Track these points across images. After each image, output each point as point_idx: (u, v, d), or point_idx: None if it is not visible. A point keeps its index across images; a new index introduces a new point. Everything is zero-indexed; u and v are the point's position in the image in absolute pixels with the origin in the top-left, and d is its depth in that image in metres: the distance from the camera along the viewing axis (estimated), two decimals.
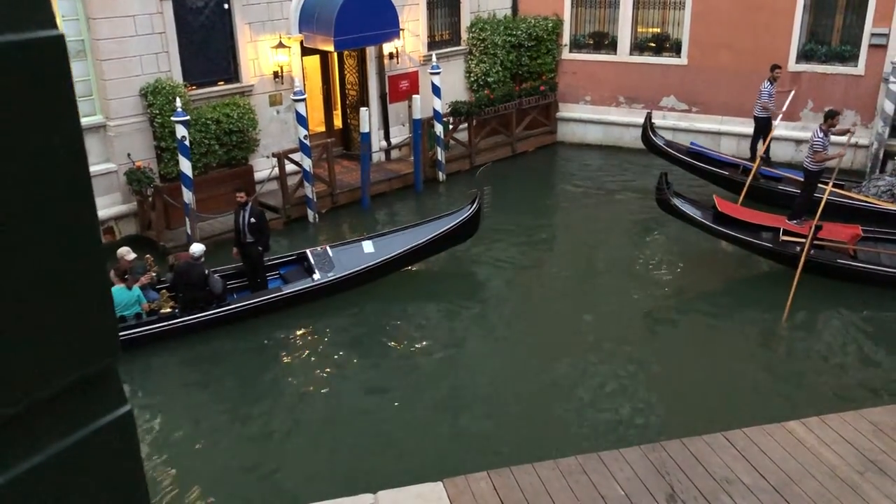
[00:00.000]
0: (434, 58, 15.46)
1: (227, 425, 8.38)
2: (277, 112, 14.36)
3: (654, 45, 17.19)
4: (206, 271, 10.01)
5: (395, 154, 16.36)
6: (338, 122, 16.41)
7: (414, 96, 15.22)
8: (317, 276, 10.59)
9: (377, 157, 15.91)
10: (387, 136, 16.13)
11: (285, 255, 11.44)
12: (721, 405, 8.41)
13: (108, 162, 12.47)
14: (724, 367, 9.14)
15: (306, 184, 13.53)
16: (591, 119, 17.91)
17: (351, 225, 14.01)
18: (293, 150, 13.60)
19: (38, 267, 0.87)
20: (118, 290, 9.63)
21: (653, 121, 14.79)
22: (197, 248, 10.06)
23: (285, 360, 9.72)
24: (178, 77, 12.91)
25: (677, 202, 11.41)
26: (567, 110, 18.15)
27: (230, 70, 13.74)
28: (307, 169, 13.40)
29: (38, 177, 0.85)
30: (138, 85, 12.55)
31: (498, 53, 17.20)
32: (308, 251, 11.07)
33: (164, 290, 9.92)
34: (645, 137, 14.61)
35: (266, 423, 8.40)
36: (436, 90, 15.23)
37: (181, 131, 11.79)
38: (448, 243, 11.51)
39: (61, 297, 0.90)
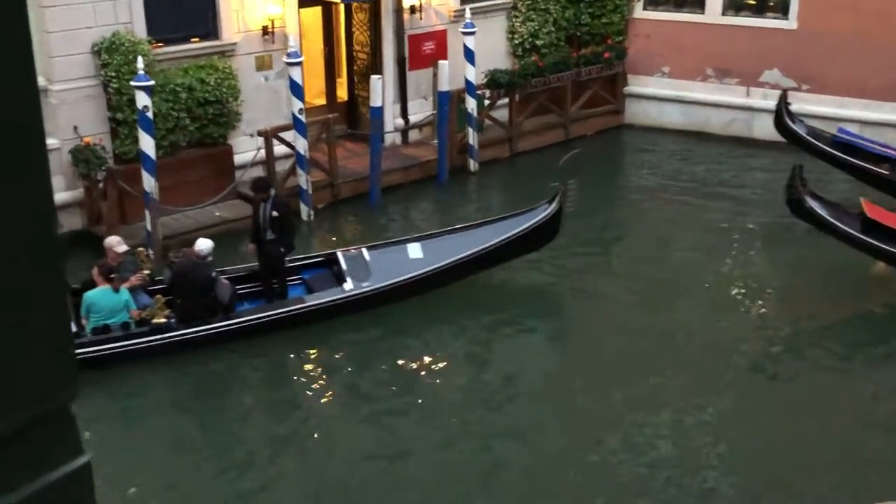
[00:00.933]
0: (468, 13, 15.50)
1: (220, 475, 8.47)
2: (266, 79, 14.47)
3: (753, 2, 17.08)
4: (213, 274, 10.16)
5: (413, 135, 16.39)
6: (342, 94, 16.50)
7: (440, 62, 15.24)
8: (348, 285, 10.74)
9: (391, 138, 15.96)
10: (404, 113, 16.18)
11: (310, 255, 11.64)
12: (834, 483, 8.31)
13: (48, 137, 12.60)
14: (842, 433, 9.00)
15: (300, 171, 13.61)
16: (668, 96, 17.84)
17: (355, 225, 14.07)
18: (284, 128, 13.69)
19: None
20: (102, 292, 9.79)
21: (789, 102, 14.40)
22: (204, 245, 10.18)
23: (301, 390, 9.92)
24: (140, 31, 13.07)
25: (813, 204, 11.28)
26: (638, 84, 18.09)
27: (207, 23, 13.88)
28: (301, 152, 13.49)
29: None
30: (90, 39, 12.71)
31: (550, 9, 17.20)
32: (339, 253, 11.24)
33: (159, 296, 10.08)
34: (779, 123, 14.21)
35: (268, 475, 8.47)
36: (469, 55, 15.26)
37: (143, 100, 11.91)
38: (518, 250, 11.56)
39: (6, 313, 0.91)
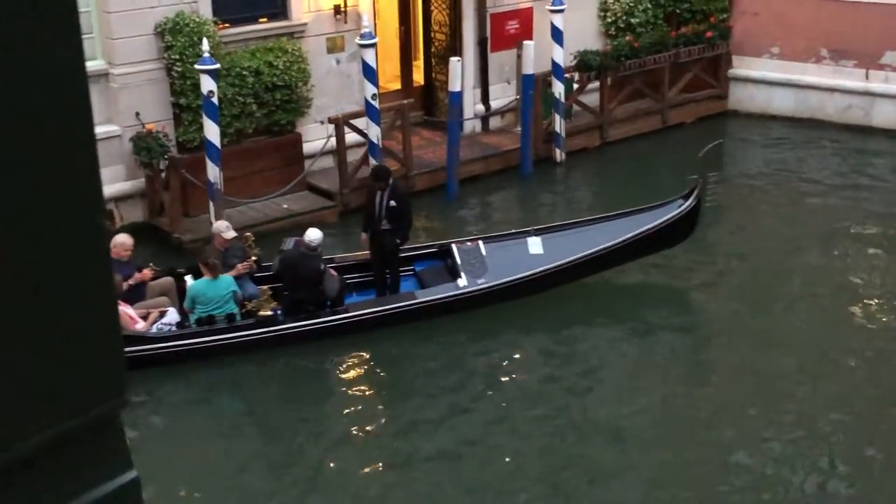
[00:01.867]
0: None
1: (313, 467, 8.77)
2: (337, 62, 14.59)
3: None
4: (322, 266, 10.41)
5: (494, 123, 16.35)
6: (418, 78, 16.55)
7: (525, 43, 15.17)
8: (462, 281, 10.88)
9: (470, 126, 15.95)
10: (485, 98, 16.15)
11: (423, 245, 11.85)
12: None
13: (109, 123, 12.94)
14: None
15: (372, 160, 13.68)
16: (778, 80, 17.49)
17: (429, 220, 14.08)
18: (356, 115, 13.79)
19: (19, 270, 0.89)
20: (205, 283, 10.11)
21: None
22: (314, 235, 10.44)
23: (407, 387, 10.17)
24: (206, 11, 13.29)
25: None
26: (744, 66, 17.78)
27: (276, 2, 14.05)
28: (374, 140, 13.57)
29: (27, 119, 0.88)
30: (153, 20, 12.98)
31: None
32: (454, 245, 11.38)
33: (265, 287, 10.40)
34: None
35: (374, 470, 8.74)
36: (556, 35, 15.17)
37: (208, 84, 12.12)
38: (649, 248, 11.52)
39: (51, 312, 0.92)
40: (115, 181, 12.90)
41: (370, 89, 13.42)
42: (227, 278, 10.19)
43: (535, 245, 11.25)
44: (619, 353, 10.59)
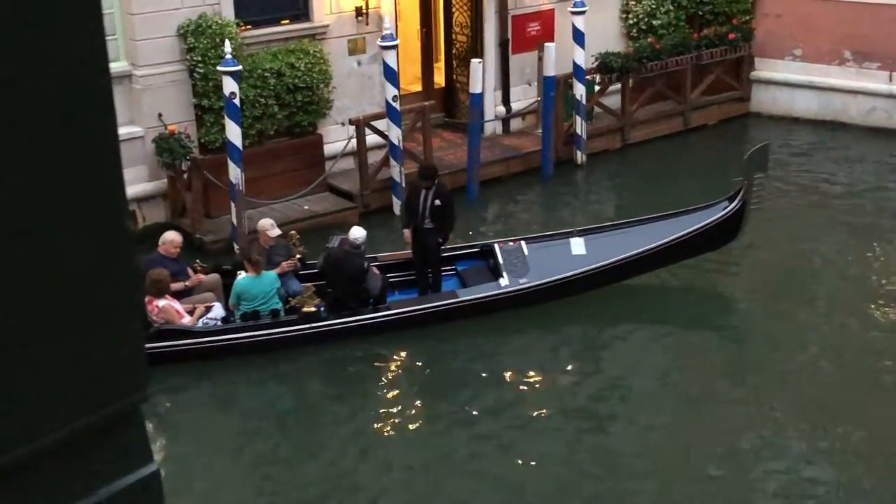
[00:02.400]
0: None
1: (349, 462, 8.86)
2: (359, 63, 14.62)
3: None
4: (366, 264, 10.56)
5: (515, 125, 16.34)
6: (439, 79, 16.56)
7: (546, 45, 15.15)
8: (504, 280, 10.95)
9: (491, 127, 15.94)
10: (506, 100, 16.14)
11: (466, 245, 11.95)
12: None
13: (132, 124, 13.02)
14: None
15: (393, 162, 13.71)
16: (801, 82, 17.39)
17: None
18: (377, 116, 13.81)
19: (44, 268, 0.90)
20: (250, 280, 10.30)
21: None
22: (358, 234, 10.60)
23: (449, 387, 10.25)
24: (228, 13, 13.35)
25: None
26: (767, 68, 17.69)
27: (298, 4, 14.09)
28: (395, 142, 13.59)
29: (50, 118, 0.89)
30: (176, 22, 13.05)
31: None
32: (496, 245, 11.47)
33: (309, 284, 10.57)
34: None
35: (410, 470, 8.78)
36: (578, 36, 15.14)
37: (230, 86, 12.17)
38: (694, 250, 11.49)
39: (75, 307, 0.93)
40: (137, 182, 12.97)
41: (391, 91, 13.43)
42: (270, 275, 10.37)
43: (577, 246, 11.29)
44: (658, 355, 10.57)
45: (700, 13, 17.41)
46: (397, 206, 13.85)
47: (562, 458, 8.94)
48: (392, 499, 8.50)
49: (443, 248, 11.28)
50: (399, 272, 11.39)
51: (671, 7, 17.01)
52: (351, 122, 13.89)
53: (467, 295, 10.90)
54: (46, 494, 0.93)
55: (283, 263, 10.64)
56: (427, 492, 8.53)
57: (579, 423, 9.45)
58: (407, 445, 9.25)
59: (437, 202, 11.04)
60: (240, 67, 12.34)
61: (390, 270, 11.26)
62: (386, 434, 9.39)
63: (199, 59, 12.85)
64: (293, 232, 11.27)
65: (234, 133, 12.39)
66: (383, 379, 10.35)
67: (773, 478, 8.57)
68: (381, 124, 13.74)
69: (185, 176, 12.91)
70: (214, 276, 10.90)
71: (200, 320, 10.32)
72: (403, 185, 13.78)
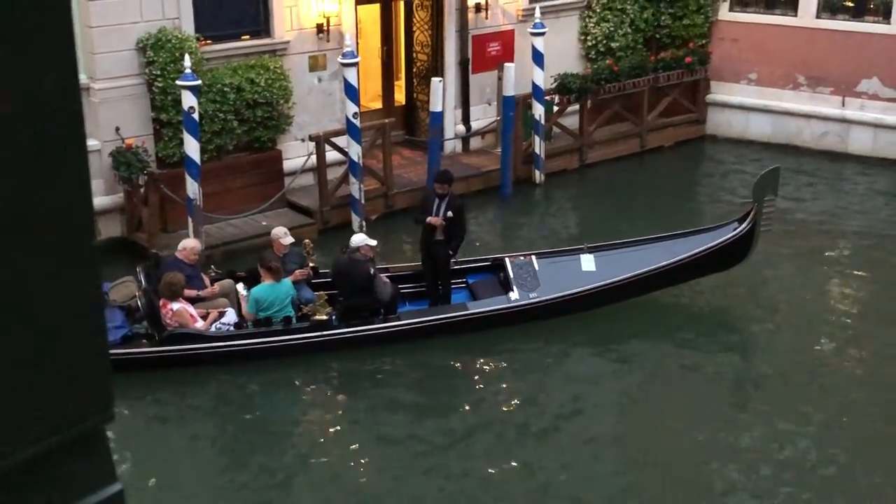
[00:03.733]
0: (538, 12, 15.50)
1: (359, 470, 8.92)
2: (319, 80, 14.61)
3: (851, 4, 16.83)
4: (372, 270, 10.58)
5: (475, 143, 16.39)
6: (400, 97, 16.59)
7: (506, 65, 15.24)
8: (514, 294, 11.01)
9: (451, 146, 15.99)
10: (465, 119, 16.20)
11: (477, 258, 12.02)
12: None
13: (89, 138, 12.86)
14: None
15: (352, 179, 13.69)
16: (756, 106, 17.64)
17: (409, 239, 14.07)
18: (337, 133, 13.80)
19: (7, 286, 0.89)
20: (268, 287, 10.30)
21: None
22: (357, 240, 10.67)
23: (458, 397, 10.35)
24: (188, 27, 13.29)
25: None
26: (722, 92, 17.93)
27: (259, 20, 14.06)
28: (355, 159, 13.57)
29: (23, 133, 0.89)
30: (135, 35, 12.96)
31: (627, 9, 17.14)
32: (507, 259, 11.53)
33: (321, 292, 10.61)
34: None
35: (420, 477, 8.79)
36: (537, 57, 15.25)
37: (189, 100, 12.10)
38: (703, 270, 11.55)
39: (38, 327, 0.92)
40: (93, 196, 12.74)
41: (351, 108, 13.43)
42: (287, 282, 10.43)
43: (587, 262, 11.37)
44: (664, 372, 10.61)
45: (657, 36, 17.63)
46: (356, 222, 13.84)
47: (558, 470, 8.94)
48: None
49: (453, 260, 11.34)
50: (409, 284, 11.46)
51: (629, 30, 17.21)
52: (311, 139, 13.86)
53: (477, 308, 10.97)
54: None
55: (297, 272, 10.69)
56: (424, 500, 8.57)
57: (579, 438, 9.46)
58: (409, 454, 9.25)
59: (450, 213, 11.11)
60: (199, 82, 12.28)
61: (400, 281, 11.31)
62: (389, 444, 9.42)
63: (159, 72, 12.77)
64: (307, 241, 11.32)
65: (192, 147, 12.31)
66: (389, 389, 10.32)
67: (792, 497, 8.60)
68: (342, 141, 13.72)
69: (142, 190, 12.81)
70: (228, 283, 10.96)
71: (213, 325, 10.37)
72: (363, 201, 13.78)
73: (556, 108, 16.18)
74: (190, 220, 12.53)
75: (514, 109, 15.15)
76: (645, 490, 8.70)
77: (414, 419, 9.77)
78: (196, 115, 12.23)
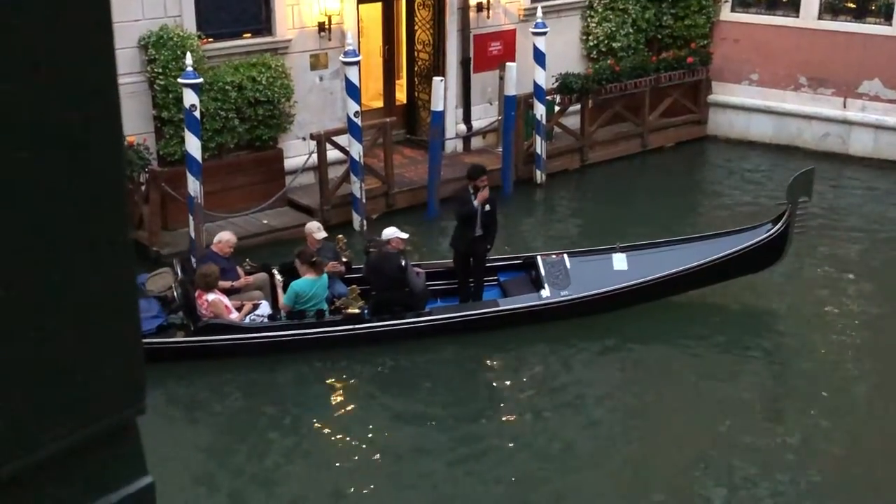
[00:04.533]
0: (539, 12, 15.50)
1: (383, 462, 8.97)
2: (321, 78, 14.60)
3: (853, 5, 16.83)
4: (403, 262, 10.66)
5: (476, 143, 16.39)
6: (401, 96, 16.59)
7: (508, 64, 15.24)
8: (546, 292, 11.04)
9: (452, 145, 15.99)
10: (467, 118, 16.20)
11: (508, 256, 12.07)
12: None
13: None
14: None
15: (353, 178, 13.69)
16: (757, 106, 17.65)
17: (410, 238, 14.06)
18: (339, 132, 13.80)
19: (44, 279, 0.90)
20: (308, 281, 10.44)
21: None
22: (389, 233, 10.76)
23: (487, 394, 10.42)
24: (190, 25, 13.29)
25: None
26: (724, 92, 17.93)
27: (260, 18, 14.06)
28: (356, 158, 13.57)
29: (61, 133, 0.90)
30: (137, 33, 12.96)
31: (629, 9, 17.13)
32: (539, 257, 11.57)
33: (354, 286, 10.70)
34: None
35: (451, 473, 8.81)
36: (539, 57, 15.25)
37: (190, 98, 12.09)
38: (735, 271, 11.54)
39: (72, 322, 0.93)
40: None
41: (353, 107, 13.43)
42: (325, 277, 10.59)
43: (619, 261, 11.39)
44: (693, 373, 10.56)
45: (659, 37, 17.63)
46: (357, 221, 13.84)
47: (588, 468, 8.96)
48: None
49: (488, 255, 11.39)
50: (441, 280, 11.50)
51: (631, 30, 17.20)
52: (312, 137, 13.86)
53: (508, 304, 11.02)
54: None
55: (331, 264, 10.80)
56: (450, 496, 8.61)
57: (611, 437, 9.49)
58: (430, 450, 9.29)
59: (487, 207, 11.16)
60: (200, 80, 12.27)
61: (431, 278, 11.34)
62: (421, 438, 9.50)
63: (160, 70, 12.77)
64: (340, 236, 11.47)
65: (193, 146, 12.31)
66: (418, 384, 10.42)
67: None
68: (343, 140, 13.73)
69: (143, 188, 12.80)
70: (262, 276, 11.13)
71: (247, 317, 10.52)
72: (364, 200, 13.78)
73: (557, 108, 16.18)
74: (191, 218, 12.52)
75: (515, 109, 15.15)
76: (682, 490, 8.65)
77: (445, 416, 9.83)
78: (197, 114, 12.23)
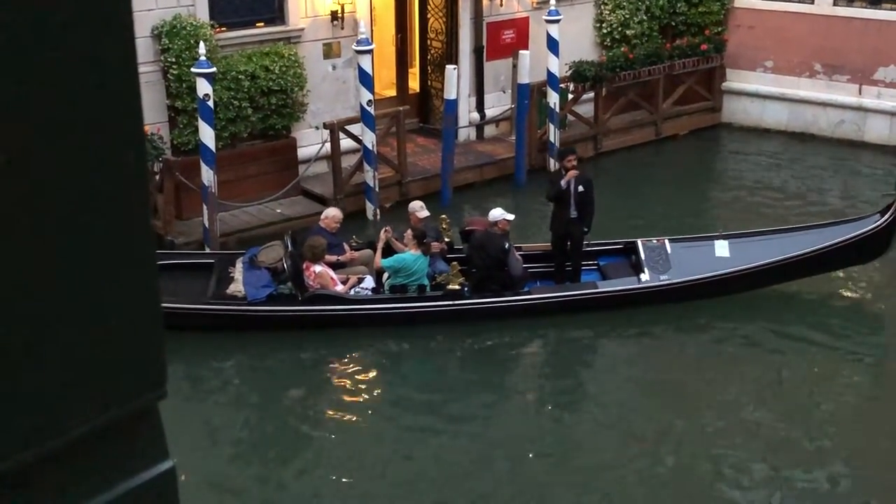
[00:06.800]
0: (553, 0, 15.44)
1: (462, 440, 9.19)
2: (333, 67, 14.60)
3: None
4: (507, 245, 10.88)
5: (489, 131, 16.37)
6: (414, 85, 16.57)
7: (521, 52, 15.20)
8: (645, 276, 11.08)
9: (465, 133, 15.97)
10: (480, 107, 16.17)
11: (609, 241, 12.08)
12: None
13: None
14: None
15: (367, 167, 13.69)
16: (771, 94, 17.57)
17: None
18: (352, 121, 13.80)
19: (66, 264, 0.90)
20: (415, 257, 10.78)
21: None
22: (497, 213, 10.99)
23: (581, 373, 10.65)
24: (203, 14, 13.29)
25: None
26: (738, 79, 17.85)
27: (273, 7, 14.06)
28: (369, 146, 13.57)
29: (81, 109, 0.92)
30: (150, 23, 12.96)
31: None
32: (640, 242, 11.61)
33: (455, 263, 11.00)
34: None
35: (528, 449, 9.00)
36: (552, 45, 15.20)
37: (204, 87, 12.10)
38: (840, 261, 11.47)
39: (94, 305, 0.93)
40: None
41: (366, 95, 13.42)
42: (427, 257, 10.88)
43: (721, 248, 11.35)
44: (798, 361, 10.46)
45: (673, 24, 17.56)
46: (370, 210, 13.85)
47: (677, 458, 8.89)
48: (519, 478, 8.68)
49: (586, 239, 11.43)
50: (538, 263, 11.62)
51: (644, 17, 17.14)
52: (325, 126, 13.86)
53: (607, 287, 11.07)
54: (61, 491, 0.93)
55: (434, 243, 11.05)
56: (545, 480, 8.64)
57: (697, 423, 9.42)
58: (527, 428, 9.47)
59: (581, 189, 11.20)
60: (214, 69, 12.28)
61: (530, 261, 11.48)
62: (504, 414, 9.75)
63: (173, 60, 12.78)
64: (443, 216, 11.82)
65: (207, 135, 12.32)
66: (516, 361, 10.75)
67: None
68: (356, 128, 13.73)
69: (157, 177, 12.82)
70: (367, 252, 11.47)
71: (352, 290, 10.87)
72: (377, 189, 13.78)
73: (570, 96, 16.14)
74: (205, 207, 12.54)
75: (528, 97, 15.12)
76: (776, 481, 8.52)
77: (544, 394, 10.16)
78: (211, 103, 12.24)
